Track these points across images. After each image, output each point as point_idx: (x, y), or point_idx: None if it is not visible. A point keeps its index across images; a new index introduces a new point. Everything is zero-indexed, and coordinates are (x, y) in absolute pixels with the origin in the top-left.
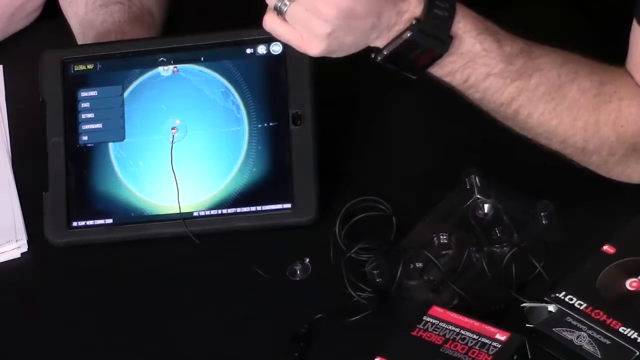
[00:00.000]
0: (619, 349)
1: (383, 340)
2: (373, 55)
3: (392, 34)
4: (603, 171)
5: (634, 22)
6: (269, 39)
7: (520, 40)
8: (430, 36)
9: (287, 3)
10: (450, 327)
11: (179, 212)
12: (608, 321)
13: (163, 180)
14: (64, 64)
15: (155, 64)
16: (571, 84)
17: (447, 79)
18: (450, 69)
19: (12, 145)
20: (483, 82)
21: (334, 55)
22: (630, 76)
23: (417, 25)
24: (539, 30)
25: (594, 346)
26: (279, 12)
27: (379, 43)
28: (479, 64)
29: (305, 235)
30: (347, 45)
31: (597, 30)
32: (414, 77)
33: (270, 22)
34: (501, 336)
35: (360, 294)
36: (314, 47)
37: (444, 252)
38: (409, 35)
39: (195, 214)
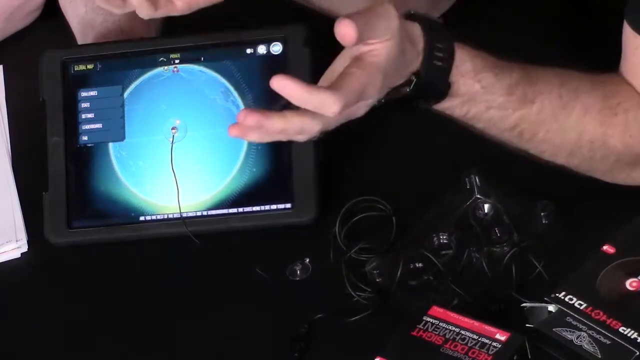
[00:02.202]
0: (619, 349)
1: (383, 340)
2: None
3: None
4: (609, 178)
5: (625, 24)
6: (269, 39)
7: (517, 67)
8: (429, 87)
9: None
10: (450, 327)
11: (179, 212)
12: (608, 321)
13: (163, 180)
14: (64, 64)
15: (155, 64)
16: (574, 102)
17: (447, 112)
18: (449, 106)
19: (12, 145)
20: (484, 114)
21: None
22: (626, 81)
23: (417, 80)
24: (538, 31)
25: (594, 346)
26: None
27: None
28: (478, 101)
29: (305, 235)
30: None
31: (597, 31)
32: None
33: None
34: (501, 336)
35: (360, 294)
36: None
37: (444, 252)
38: (407, 90)
39: (195, 214)
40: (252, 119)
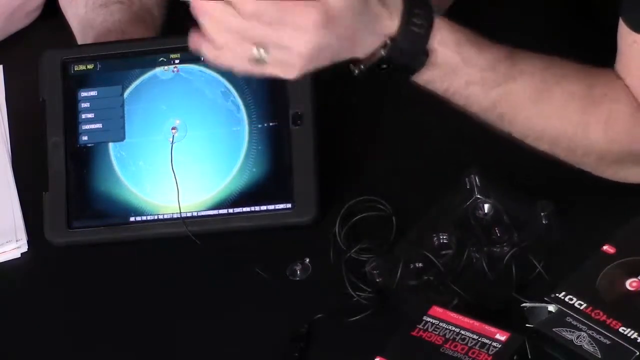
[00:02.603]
0: (619, 349)
1: (383, 340)
2: (351, 68)
3: (367, 50)
4: (598, 172)
5: (620, 21)
6: None
7: (501, 46)
8: (406, 53)
9: (265, 55)
10: (450, 327)
11: (179, 212)
12: (608, 321)
13: (163, 180)
14: (64, 64)
15: (155, 64)
16: (557, 87)
17: (428, 87)
18: (429, 78)
19: (12, 145)
20: (464, 90)
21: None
22: (620, 78)
23: (392, 43)
24: (538, 30)
25: (594, 346)
26: (259, 61)
27: (356, 56)
28: (458, 75)
29: (305, 235)
30: (322, 64)
31: (597, 30)
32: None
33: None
34: (501, 336)
35: (360, 294)
36: (290, 75)
37: (444, 252)
38: (383, 53)
39: (195, 214)
40: None
